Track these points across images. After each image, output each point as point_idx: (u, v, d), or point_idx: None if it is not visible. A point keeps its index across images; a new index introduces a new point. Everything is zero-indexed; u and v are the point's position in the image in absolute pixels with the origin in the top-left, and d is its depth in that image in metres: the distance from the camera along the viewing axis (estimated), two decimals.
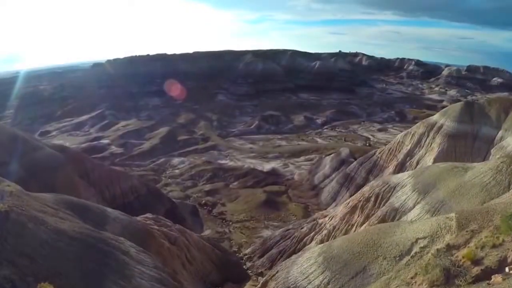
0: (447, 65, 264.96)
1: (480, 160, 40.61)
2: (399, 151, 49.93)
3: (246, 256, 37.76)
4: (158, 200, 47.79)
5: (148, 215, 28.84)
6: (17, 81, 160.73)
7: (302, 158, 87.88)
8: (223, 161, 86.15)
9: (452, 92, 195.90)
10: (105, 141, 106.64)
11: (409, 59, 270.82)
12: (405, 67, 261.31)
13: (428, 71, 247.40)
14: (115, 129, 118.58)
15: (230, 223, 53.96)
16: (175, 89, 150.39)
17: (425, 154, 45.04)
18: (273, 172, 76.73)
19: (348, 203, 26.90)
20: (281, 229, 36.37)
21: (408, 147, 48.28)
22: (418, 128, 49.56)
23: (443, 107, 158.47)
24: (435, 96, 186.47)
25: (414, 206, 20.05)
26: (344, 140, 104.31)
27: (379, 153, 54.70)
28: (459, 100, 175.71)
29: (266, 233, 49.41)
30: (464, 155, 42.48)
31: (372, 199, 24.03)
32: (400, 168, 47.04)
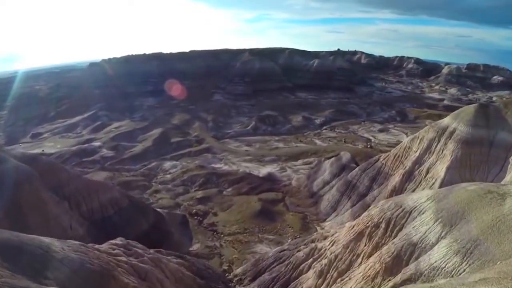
0: (446, 63, 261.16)
1: (497, 169, 36.55)
2: (406, 158, 45.66)
3: (236, 278, 33.63)
4: (141, 213, 43.55)
5: (118, 240, 24.66)
6: (14, 81, 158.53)
7: (300, 161, 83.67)
8: (217, 165, 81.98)
9: (453, 91, 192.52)
10: (96, 143, 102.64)
11: (408, 57, 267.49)
12: (404, 65, 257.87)
13: (428, 69, 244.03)
14: (107, 131, 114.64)
15: (222, 235, 49.66)
16: (175, 89, 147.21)
17: (436, 161, 40.79)
18: (269, 177, 72.46)
19: (353, 227, 22.73)
20: (275, 249, 32.28)
21: (417, 154, 43.97)
22: (427, 132, 45.18)
23: (444, 106, 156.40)
24: (435, 95, 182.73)
25: (437, 242, 15.90)
26: (344, 141, 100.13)
27: (384, 159, 50.36)
28: (460, 99, 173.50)
29: (260, 247, 45.26)
30: (479, 163, 38.34)
31: (383, 225, 19.87)
32: (408, 176, 42.88)
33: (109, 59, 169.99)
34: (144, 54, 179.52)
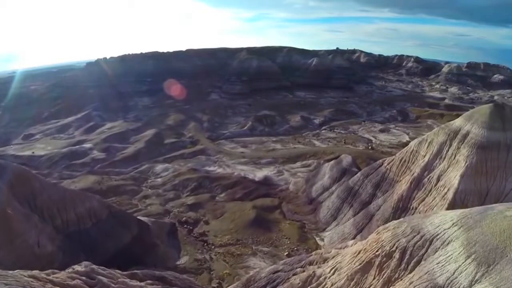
0: (446, 62, 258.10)
1: None
2: (413, 163, 41.93)
3: None
4: (123, 225, 39.68)
5: (82, 266, 20.90)
6: (12, 81, 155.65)
7: (298, 163, 79.84)
8: (210, 168, 78.13)
9: (453, 90, 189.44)
10: (87, 145, 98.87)
11: (407, 56, 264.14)
12: (403, 64, 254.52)
13: (427, 68, 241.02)
14: (100, 132, 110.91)
15: (213, 247, 45.75)
16: (171, 88, 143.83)
17: (448, 168, 37.09)
18: (265, 182, 68.61)
19: (359, 254, 19.03)
20: (268, 269, 28.65)
21: (425, 159, 40.22)
22: (437, 135, 41.34)
23: (446, 105, 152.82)
24: (436, 94, 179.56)
25: (471, 287, 12.20)
26: (344, 142, 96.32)
27: (388, 164, 46.56)
28: (461, 98, 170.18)
29: (254, 262, 41.45)
30: (497, 170, 34.66)
31: (396, 255, 16.19)
32: (417, 184, 39.17)
33: (105, 58, 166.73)
34: (141, 53, 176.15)
